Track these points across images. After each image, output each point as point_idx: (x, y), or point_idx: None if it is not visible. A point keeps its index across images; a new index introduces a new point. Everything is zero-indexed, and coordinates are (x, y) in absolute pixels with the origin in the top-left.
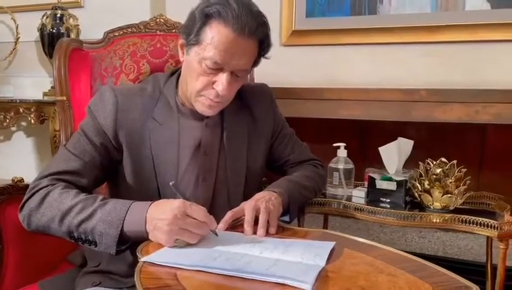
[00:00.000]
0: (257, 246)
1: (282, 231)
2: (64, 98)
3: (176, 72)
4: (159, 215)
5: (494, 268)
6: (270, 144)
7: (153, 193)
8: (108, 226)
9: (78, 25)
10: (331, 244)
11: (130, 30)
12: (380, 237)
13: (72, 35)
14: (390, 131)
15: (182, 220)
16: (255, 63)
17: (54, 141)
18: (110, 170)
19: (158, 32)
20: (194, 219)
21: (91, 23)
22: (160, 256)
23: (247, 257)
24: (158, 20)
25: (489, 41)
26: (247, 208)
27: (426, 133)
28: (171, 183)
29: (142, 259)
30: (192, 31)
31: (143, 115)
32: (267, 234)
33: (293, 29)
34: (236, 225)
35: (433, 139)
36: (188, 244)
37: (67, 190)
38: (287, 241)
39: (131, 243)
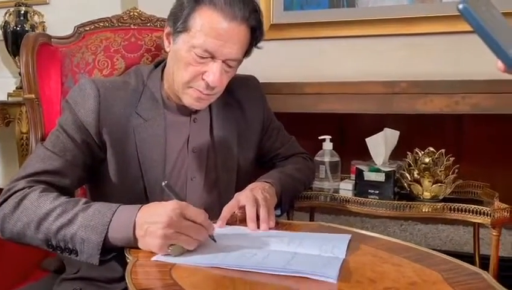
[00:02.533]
0: (271, 240)
1: (277, 225)
2: (33, 96)
3: (160, 64)
4: (151, 219)
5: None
6: (259, 139)
7: (139, 193)
8: (91, 232)
9: (44, 22)
10: (347, 237)
11: (102, 24)
12: (362, 230)
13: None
14: (368, 123)
15: (179, 222)
16: (247, 52)
17: (21, 144)
18: (92, 170)
19: (132, 26)
20: (192, 221)
21: (57, 20)
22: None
23: (263, 251)
24: (132, 13)
25: (467, 33)
26: (246, 202)
27: (403, 124)
28: (163, 184)
29: (153, 259)
30: (179, 17)
31: (127, 110)
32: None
33: (271, 23)
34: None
35: (411, 130)
36: (183, 252)
37: (47, 193)
38: (300, 234)
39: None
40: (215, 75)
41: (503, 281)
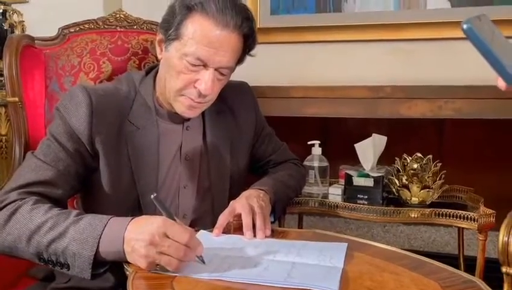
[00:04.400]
0: (269, 249)
1: (272, 233)
2: (17, 99)
3: (152, 71)
4: (136, 236)
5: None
6: (252, 145)
7: (132, 202)
8: (82, 246)
9: (23, 22)
10: (344, 245)
11: (87, 26)
12: (346, 233)
13: (17, 32)
14: (352, 127)
15: (160, 242)
16: (240, 60)
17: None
18: (85, 179)
19: (118, 28)
20: (176, 241)
21: (38, 20)
22: None
23: (263, 262)
24: (118, 16)
25: (450, 39)
26: (242, 210)
27: (387, 128)
28: (152, 197)
29: (152, 270)
30: (171, 25)
31: (119, 117)
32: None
33: (258, 27)
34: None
35: (394, 135)
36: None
37: (39, 205)
38: (297, 243)
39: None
40: (207, 83)
41: (485, 282)
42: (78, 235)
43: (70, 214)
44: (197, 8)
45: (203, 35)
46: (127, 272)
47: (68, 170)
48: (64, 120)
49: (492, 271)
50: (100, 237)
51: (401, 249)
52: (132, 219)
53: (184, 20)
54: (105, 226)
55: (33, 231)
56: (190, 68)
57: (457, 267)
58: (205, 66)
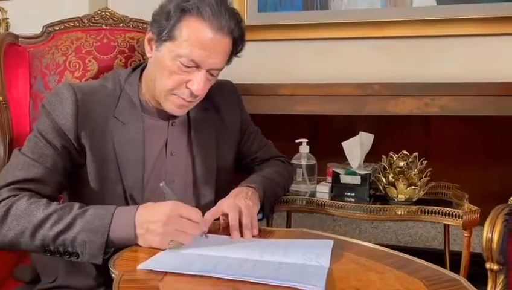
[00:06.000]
0: (256, 249)
1: (260, 233)
2: (1, 98)
3: (138, 68)
4: (151, 218)
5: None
6: (237, 142)
7: (118, 196)
8: (93, 234)
9: (7, 19)
10: (329, 243)
11: (72, 24)
12: (335, 229)
13: (1, 30)
14: (340, 125)
15: (177, 221)
16: (228, 61)
17: None
18: (72, 175)
19: (104, 26)
20: (189, 219)
21: (22, 17)
22: (158, 263)
23: (250, 262)
24: (103, 13)
25: (436, 36)
26: (229, 210)
27: (374, 125)
28: (161, 185)
29: (139, 267)
30: (165, 26)
31: (104, 114)
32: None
33: (245, 24)
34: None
35: (381, 132)
36: (181, 247)
37: (36, 200)
38: (284, 242)
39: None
40: (199, 84)
41: (471, 276)
42: (87, 225)
43: (74, 206)
44: (193, 11)
45: (198, 38)
46: (113, 275)
47: (55, 166)
48: (50, 117)
49: (478, 265)
50: (110, 226)
51: (389, 245)
52: (138, 206)
53: (179, 22)
54: (112, 215)
55: (37, 225)
56: (183, 69)
57: (443, 262)
58: (198, 67)
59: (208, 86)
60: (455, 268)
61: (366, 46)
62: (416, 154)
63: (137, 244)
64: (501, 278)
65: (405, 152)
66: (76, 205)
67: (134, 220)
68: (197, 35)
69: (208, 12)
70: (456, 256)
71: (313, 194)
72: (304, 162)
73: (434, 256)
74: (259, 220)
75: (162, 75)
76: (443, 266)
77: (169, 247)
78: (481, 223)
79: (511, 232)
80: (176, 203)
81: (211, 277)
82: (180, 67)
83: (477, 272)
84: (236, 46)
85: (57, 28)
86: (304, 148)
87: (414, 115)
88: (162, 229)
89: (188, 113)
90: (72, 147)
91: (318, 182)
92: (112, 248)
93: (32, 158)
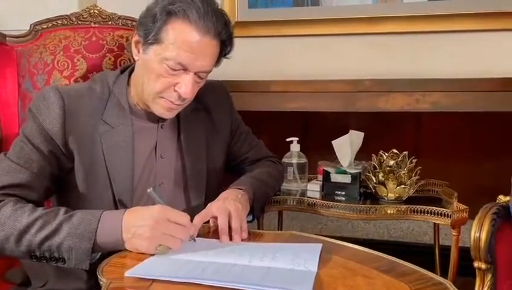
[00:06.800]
0: (244, 254)
1: (249, 236)
2: None
3: (126, 70)
4: (138, 222)
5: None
6: (227, 143)
7: (107, 201)
8: (79, 239)
9: None
10: (318, 247)
11: (60, 22)
12: (328, 225)
13: None
14: (331, 122)
15: (164, 225)
16: (217, 62)
17: None
18: (60, 180)
19: (92, 24)
20: (176, 223)
21: (9, 14)
22: (145, 269)
23: (238, 267)
24: (92, 11)
25: (427, 32)
26: (219, 213)
27: (366, 122)
28: (149, 190)
29: (126, 273)
30: (151, 28)
31: (93, 117)
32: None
33: (236, 20)
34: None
35: (372, 130)
36: (169, 252)
37: (21, 205)
38: (273, 246)
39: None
40: (187, 87)
41: (460, 271)
42: (73, 230)
43: (59, 211)
44: (179, 14)
45: (185, 41)
46: (101, 283)
47: (42, 171)
48: (37, 121)
49: (467, 260)
50: (96, 230)
51: (381, 240)
52: (125, 210)
53: (165, 25)
54: (99, 219)
55: (22, 231)
56: (170, 72)
57: (434, 257)
58: (185, 70)
59: (197, 88)
60: (445, 264)
61: (357, 42)
62: (406, 153)
63: (125, 249)
64: (489, 276)
65: (395, 151)
66: (63, 209)
67: (121, 224)
68: (183, 38)
69: (195, 14)
70: (446, 251)
71: (303, 192)
72: (294, 160)
73: (425, 250)
74: (249, 221)
75: (150, 78)
76: (433, 261)
77: (156, 252)
78: (472, 217)
79: (499, 231)
80: (163, 207)
81: (199, 283)
82: (167, 70)
83: (467, 266)
84: (225, 48)
85: (45, 26)
86: (295, 147)
87: (405, 111)
88: (149, 234)
89: (177, 115)
90: (60, 152)
91: (309, 180)
92: (99, 252)
93: (18, 163)
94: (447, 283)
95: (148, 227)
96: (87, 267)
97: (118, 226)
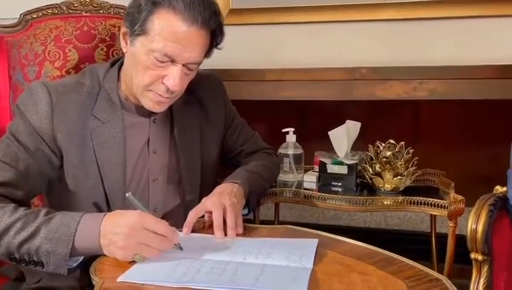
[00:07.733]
0: (239, 250)
1: (244, 230)
2: None
3: (116, 63)
4: (114, 229)
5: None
6: (222, 136)
7: (99, 199)
8: (56, 244)
9: None
10: (314, 243)
11: (50, 11)
12: (324, 213)
13: None
14: (328, 111)
15: (140, 234)
16: (207, 54)
17: None
18: (48, 178)
19: (84, 13)
20: (154, 232)
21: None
22: (137, 274)
23: (232, 265)
24: None
25: (425, 19)
26: (214, 209)
27: (361, 112)
28: (127, 195)
29: (119, 279)
30: (137, 19)
31: (82, 113)
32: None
33: (230, 7)
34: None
35: (370, 118)
36: (146, 260)
37: (3, 205)
38: (267, 241)
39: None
40: (175, 79)
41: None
42: (51, 234)
43: (40, 213)
44: (164, 3)
45: (171, 31)
46: (94, 282)
47: (29, 170)
48: (24, 118)
49: (465, 247)
50: (75, 234)
51: (378, 228)
52: (105, 214)
53: (150, 15)
54: (78, 223)
55: (1, 232)
56: (157, 64)
57: (431, 245)
58: (173, 61)
59: (186, 81)
60: (442, 252)
61: (354, 30)
62: (402, 143)
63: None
64: (485, 268)
65: (392, 141)
66: (43, 211)
67: (100, 229)
68: (169, 29)
69: (180, 4)
70: (443, 239)
71: (300, 183)
72: (290, 151)
73: (422, 239)
74: (244, 215)
75: (138, 70)
76: (430, 250)
77: (134, 258)
78: (469, 204)
79: (496, 223)
80: (142, 214)
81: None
82: (154, 63)
83: (465, 253)
84: (215, 38)
85: (35, 16)
86: (291, 138)
87: (402, 99)
88: (124, 243)
89: (170, 108)
90: (48, 149)
91: (306, 170)
92: (79, 256)
93: (4, 161)
94: (443, 278)
95: (124, 235)
96: (66, 273)
97: (97, 231)
